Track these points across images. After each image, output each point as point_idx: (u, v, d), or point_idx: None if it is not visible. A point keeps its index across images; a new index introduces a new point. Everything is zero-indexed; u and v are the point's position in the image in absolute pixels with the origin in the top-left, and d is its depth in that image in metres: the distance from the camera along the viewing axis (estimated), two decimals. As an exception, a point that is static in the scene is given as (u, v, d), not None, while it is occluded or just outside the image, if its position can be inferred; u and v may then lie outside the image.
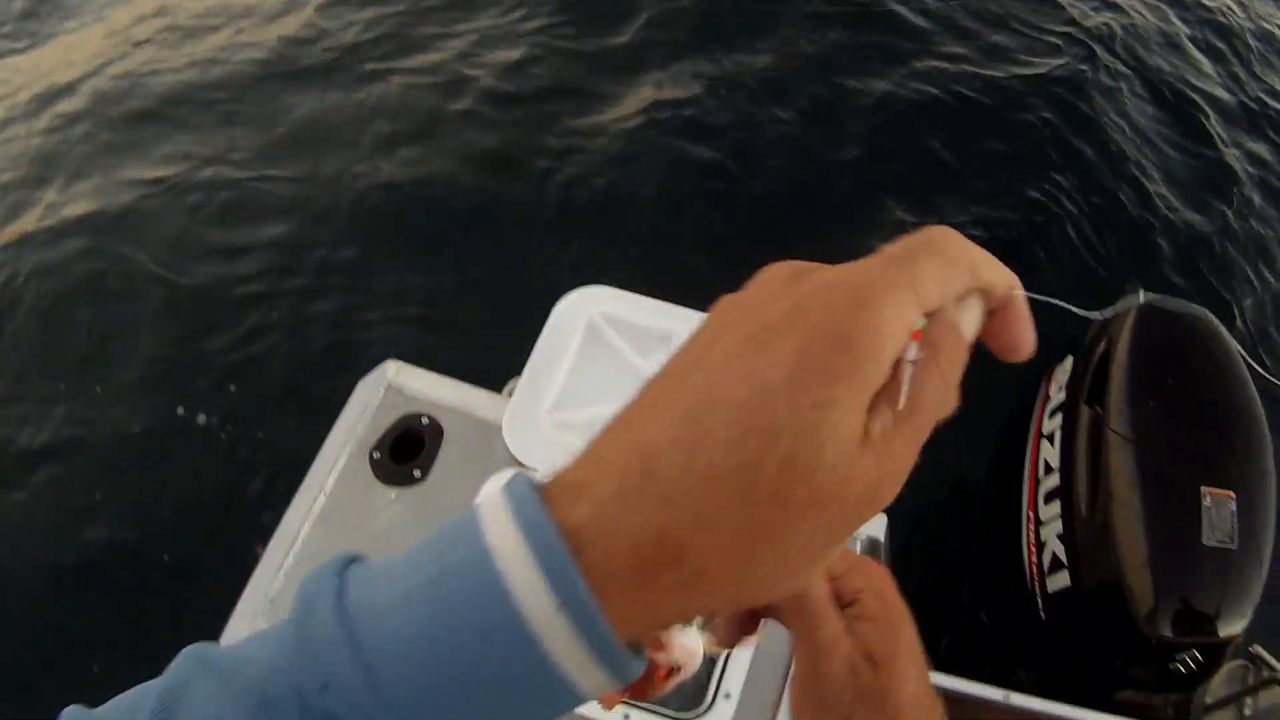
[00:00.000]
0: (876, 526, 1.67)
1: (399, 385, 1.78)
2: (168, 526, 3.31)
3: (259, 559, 1.63)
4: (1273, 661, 2.40)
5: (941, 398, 0.39)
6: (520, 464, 1.68)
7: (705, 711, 1.51)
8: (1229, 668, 2.72)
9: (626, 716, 1.51)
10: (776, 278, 0.41)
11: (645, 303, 1.81)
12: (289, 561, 1.60)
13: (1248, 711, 2.46)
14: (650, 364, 1.74)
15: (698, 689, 1.59)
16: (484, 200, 4.34)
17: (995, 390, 2.92)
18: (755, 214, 4.25)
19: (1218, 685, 2.66)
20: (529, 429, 1.68)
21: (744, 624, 0.56)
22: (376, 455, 1.71)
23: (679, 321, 1.78)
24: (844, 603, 0.56)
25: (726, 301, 0.42)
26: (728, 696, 1.52)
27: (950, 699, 1.55)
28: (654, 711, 1.52)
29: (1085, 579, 1.79)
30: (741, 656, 1.55)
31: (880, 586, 0.57)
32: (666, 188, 4.38)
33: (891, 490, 0.38)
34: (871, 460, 0.36)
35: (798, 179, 4.44)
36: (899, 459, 0.37)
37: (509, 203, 4.34)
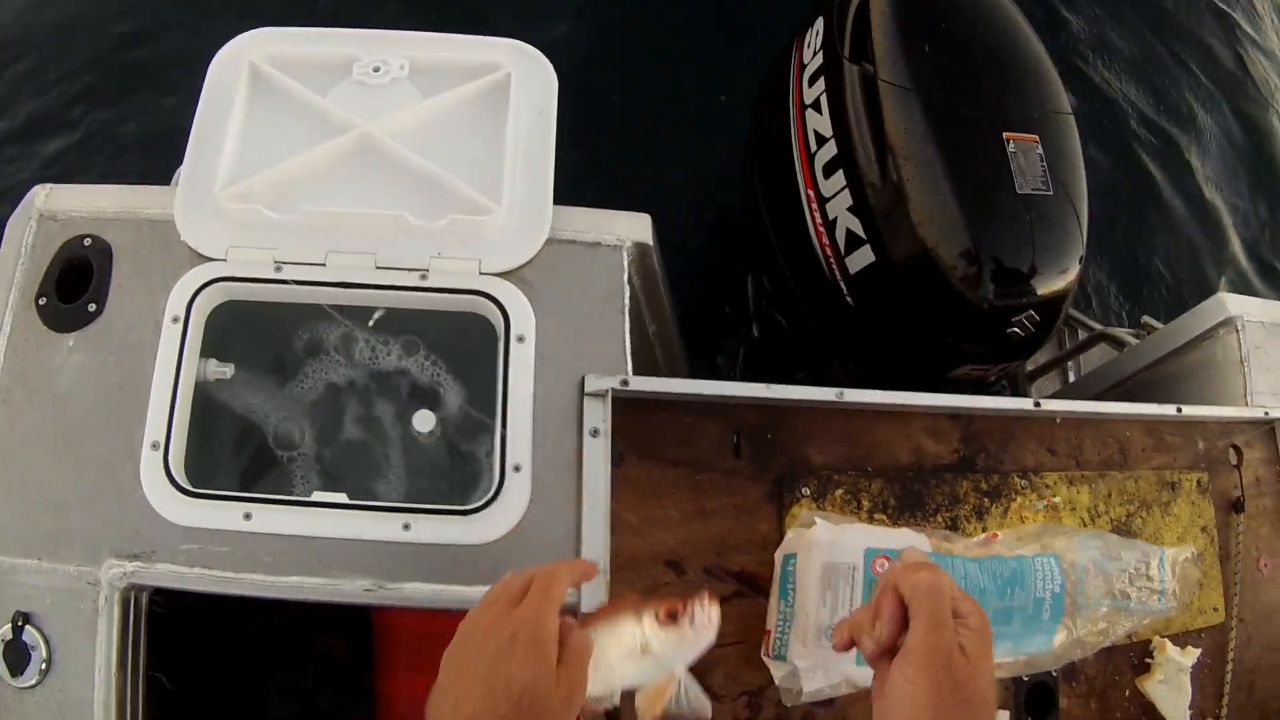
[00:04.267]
0: (641, 229, 1.40)
1: (52, 212, 1.35)
2: None
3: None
4: (1089, 321, 2.33)
5: None
6: (203, 256, 1.32)
7: (498, 491, 1.26)
8: None
9: (407, 525, 1.25)
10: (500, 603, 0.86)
11: (314, 33, 1.40)
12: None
13: (1071, 376, 2.41)
14: (334, 100, 1.37)
15: (488, 473, 1.34)
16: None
17: (740, 75, 2.63)
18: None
19: (1033, 356, 2.61)
20: (205, 214, 1.30)
21: (899, 622, 0.80)
22: (43, 301, 1.31)
23: (356, 45, 1.39)
24: (958, 614, 0.78)
25: (473, 620, 0.86)
26: (518, 469, 1.28)
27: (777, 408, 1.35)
28: (444, 511, 1.26)
29: (891, 250, 1.56)
30: (521, 424, 1.29)
31: (982, 614, 0.80)
32: None
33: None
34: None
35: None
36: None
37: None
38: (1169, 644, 1.49)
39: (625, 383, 1.29)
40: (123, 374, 1.27)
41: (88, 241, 1.33)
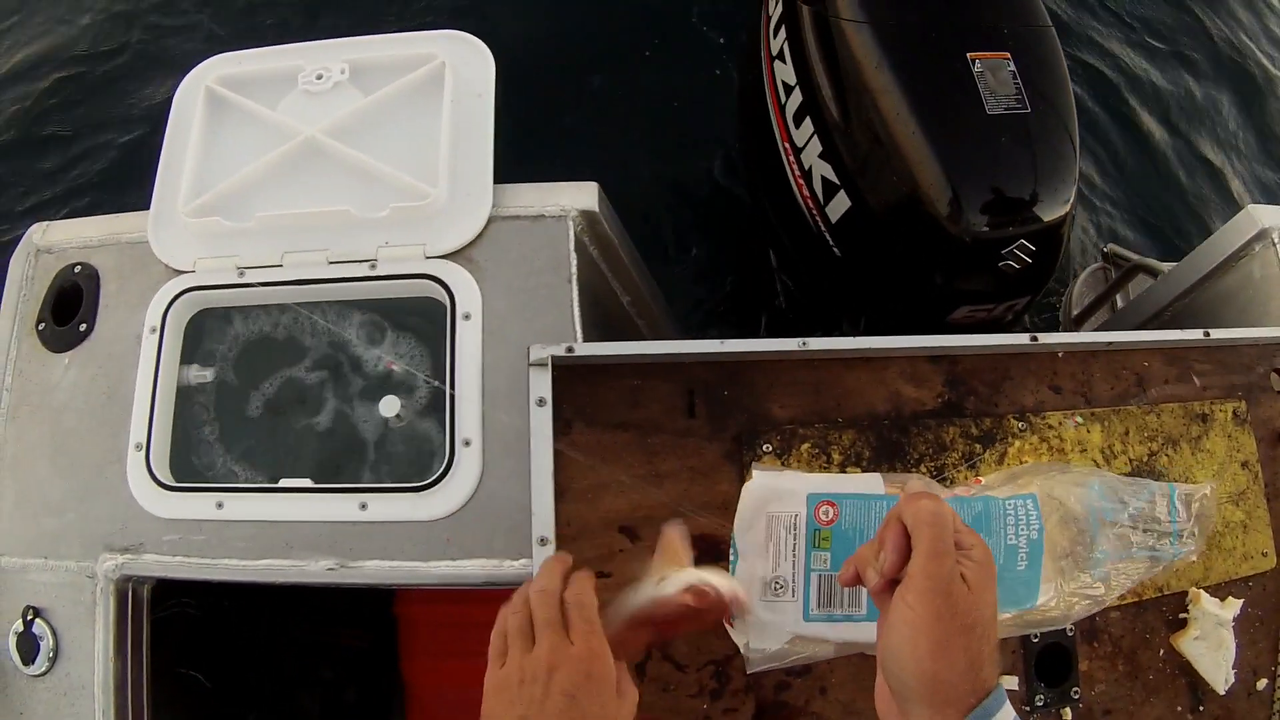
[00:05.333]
0: (586, 197, 1.38)
1: (48, 245, 1.47)
2: None
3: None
4: (1129, 254, 2.12)
5: None
6: (175, 270, 1.40)
7: (449, 467, 1.27)
8: (1086, 274, 2.45)
9: (363, 505, 1.28)
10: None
11: (263, 53, 1.47)
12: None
13: (1120, 306, 2.19)
14: (283, 110, 1.43)
15: (431, 453, 1.35)
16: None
17: (721, 55, 2.54)
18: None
19: (1080, 294, 2.40)
20: (173, 230, 1.38)
21: (903, 552, 0.77)
22: (42, 326, 1.43)
23: (300, 57, 1.45)
24: (961, 546, 0.76)
25: (503, 679, 0.83)
26: (468, 444, 1.28)
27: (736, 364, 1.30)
28: (397, 489, 1.29)
29: (865, 192, 1.46)
30: (470, 400, 1.30)
31: (986, 548, 0.77)
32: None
33: None
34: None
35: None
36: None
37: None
38: (1204, 595, 1.33)
39: (570, 349, 1.27)
40: (110, 384, 1.36)
41: (78, 269, 1.43)
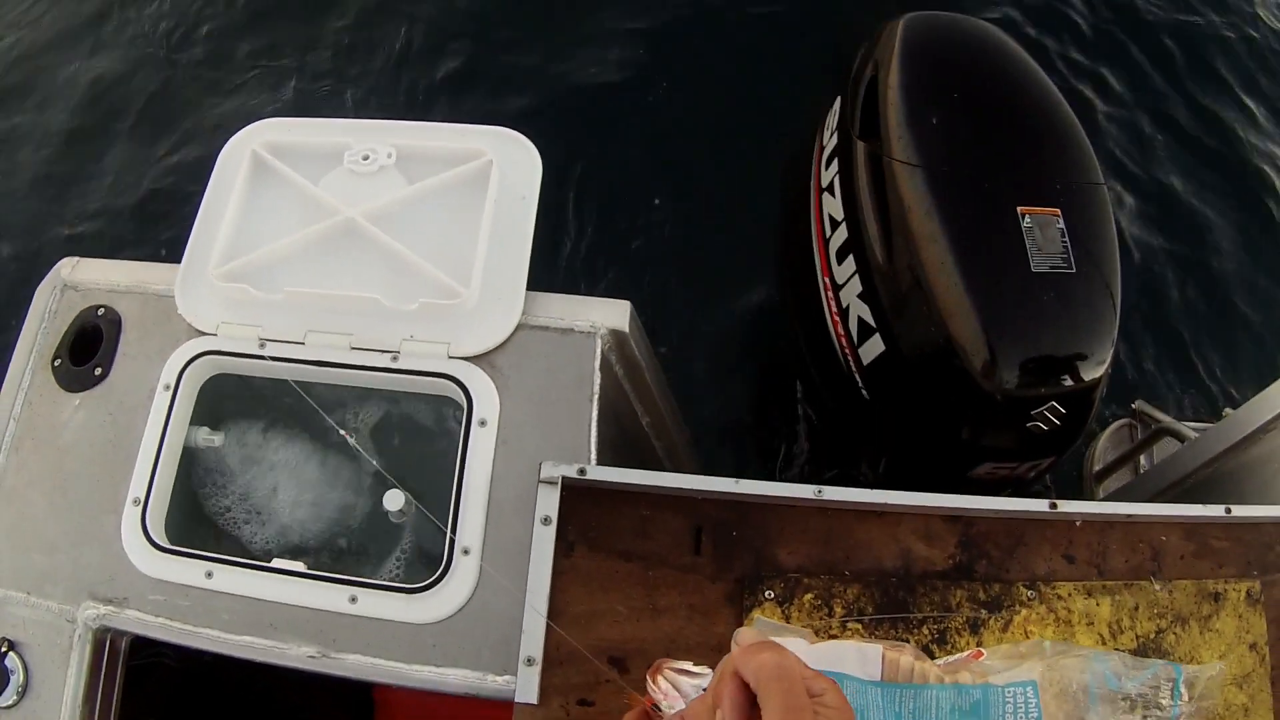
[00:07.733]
0: (618, 316, 1.36)
1: (75, 282, 1.47)
2: None
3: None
4: (1157, 414, 2.07)
5: None
6: (198, 331, 1.38)
7: (444, 573, 1.25)
8: (1111, 430, 2.41)
9: (353, 598, 1.26)
10: None
11: (313, 124, 1.47)
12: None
13: (1143, 469, 2.14)
14: (325, 186, 1.41)
15: (431, 558, 1.33)
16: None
17: (766, 173, 2.50)
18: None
19: (1104, 450, 2.36)
20: (201, 290, 1.38)
21: (744, 711, 0.67)
22: (58, 363, 1.43)
23: (349, 134, 1.44)
24: (812, 693, 0.66)
25: None
26: (467, 552, 1.26)
27: (748, 505, 1.27)
28: (389, 587, 1.26)
29: (900, 338, 1.43)
30: (474, 508, 1.28)
31: (839, 690, 0.68)
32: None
33: None
34: None
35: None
36: None
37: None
38: (1193, 787, 1.28)
39: (583, 471, 1.25)
40: (118, 433, 1.35)
41: (101, 311, 1.42)
